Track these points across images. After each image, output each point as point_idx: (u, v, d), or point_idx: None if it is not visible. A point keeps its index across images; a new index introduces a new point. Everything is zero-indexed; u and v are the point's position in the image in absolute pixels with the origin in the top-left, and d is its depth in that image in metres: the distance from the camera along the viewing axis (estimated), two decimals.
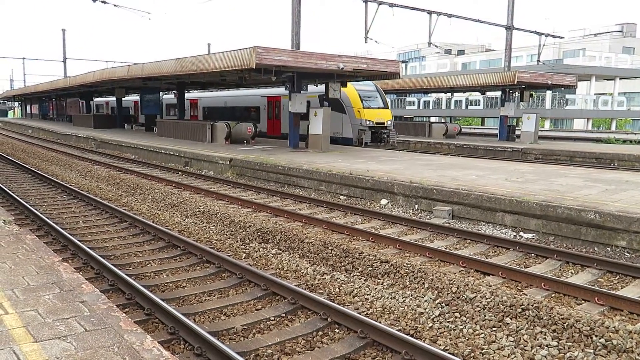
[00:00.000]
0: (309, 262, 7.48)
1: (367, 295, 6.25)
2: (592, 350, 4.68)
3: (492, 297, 5.74)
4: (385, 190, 11.82)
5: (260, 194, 13.24)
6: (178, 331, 4.97)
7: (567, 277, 6.99)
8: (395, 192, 11.58)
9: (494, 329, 5.25)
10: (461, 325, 5.33)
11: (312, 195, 13.00)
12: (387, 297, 6.12)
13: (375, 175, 12.41)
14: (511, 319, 5.37)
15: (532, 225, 9.23)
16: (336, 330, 5.27)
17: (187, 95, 37.63)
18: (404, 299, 6.02)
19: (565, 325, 5.08)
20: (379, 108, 24.41)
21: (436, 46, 27.19)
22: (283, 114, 27.00)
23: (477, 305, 5.67)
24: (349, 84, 22.53)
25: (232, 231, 9.13)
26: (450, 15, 26.01)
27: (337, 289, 6.46)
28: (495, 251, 8.26)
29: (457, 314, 5.59)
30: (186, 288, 6.47)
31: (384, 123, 24.27)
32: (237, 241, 8.61)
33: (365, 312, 5.71)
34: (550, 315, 5.26)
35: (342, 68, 17.66)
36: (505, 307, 5.55)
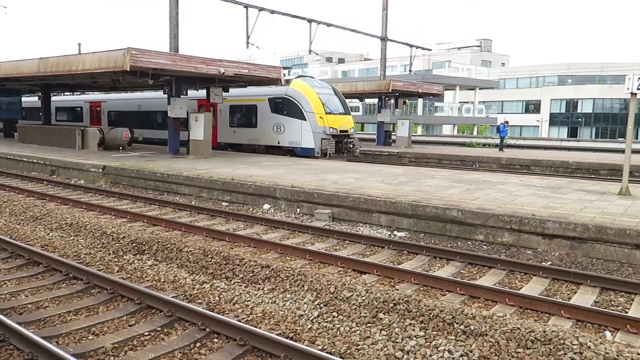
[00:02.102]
0: (188, 272, 7.24)
1: (248, 301, 6.21)
2: (453, 337, 5.10)
3: (367, 294, 6.01)
4: (267, 195, 11.86)
5: (137, 203, 12.56)
6: (37, 357, 4.52)
7: (435, 271, 7.55)
8: (278, 196, 11.67)
9: (368, 325, 5.50)
10: (338, 324, 5.50)
11: (193, 202, 12.64)
12: (268, 302, 6.13)
13: (257, 181, 12.40)
14: (384, 314, 5.66)
15: (405, 224, 9.84)
16: (215, 340, 5.15)
17: (84, 97, 34.12)
18: (284, 302, 6.07)
19: (431, 315, 5.47)
20: (340, 114, 21.78)
21: (317, 54, 27.89)
22: (220, 121, 24.00)
23: (354, 303, 5.90)
24: (305, 84, 21.54)
25: (103, 244, 8.54)
26: (329, 25, 26.88)
27: (217, 298, 6.33)
28: (371, 250, 8.67)
29: (334, 314, 5.76)
30: (49, 308, 5.92)
31: (347, 131, 21.58)
32: (109, 254, 8.07)
33: (245, 319, 5.66)
34: (418, 308, 5.63)
35: (223, 73, 17.43)
36: (379, 303, 5.84)
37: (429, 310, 5.56)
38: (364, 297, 5.97)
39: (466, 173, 15.89)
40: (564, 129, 60.96)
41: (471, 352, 4.79)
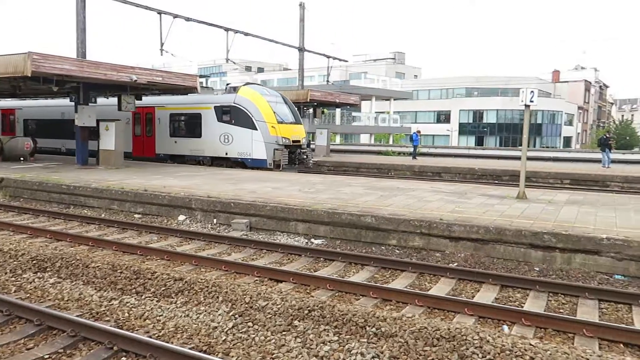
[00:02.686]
0: (95, 289, 6.87)
1: (160, 316, 6.00)
2: (366, 340, 5.24)
3: (283, 302, 6.03)
4: (183, 206, 11.56)
5: (40, 217, 11.75)
6: None
7: (350, 277, 7.73)
8: (194, 207, 11.41)
9: (283, 333, 5.51)
10: (254, 334, 5.47)
11: (103, 215, 12.03)
12: (181, 316, 5.96)
13: (172, 191, 12.05)
14: (299, 321, 5.71)
15: (322, 232, 9.99)
16: (123, 359, 4.93)
17: None
18: (198, 315, 5.94)
19: (344, 320, 5.59)
20: (292, 123, 20.94)
21: (234, 62, 27.71)
22: (158, 130, 22.40)
23: (269, 312, 5.90)
24: (255, 91, 20.60)
25: None
26: (246, 34, 26.80)
27: (127, 314, 6.06)
28: (289, 259, 8.71)
29: (249, 324, 5.72)
30: None
31: (299, 141, 20.86)
32: (5, 273, 7.46)
33: (156, 335, 5.47)
34: (332, 313, 5.74)
35: (135, 80, 16.81)
36: (294, 310, 5.88)
37: (342, 315, 5.68)
38: (279, 306, 5.98)
39: (381, 180, 16.44)
40: (471, 138, 64.85)
41: (382, 353, 4.95)
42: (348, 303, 6.43)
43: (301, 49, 30.77)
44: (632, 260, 7.61)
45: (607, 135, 26.95)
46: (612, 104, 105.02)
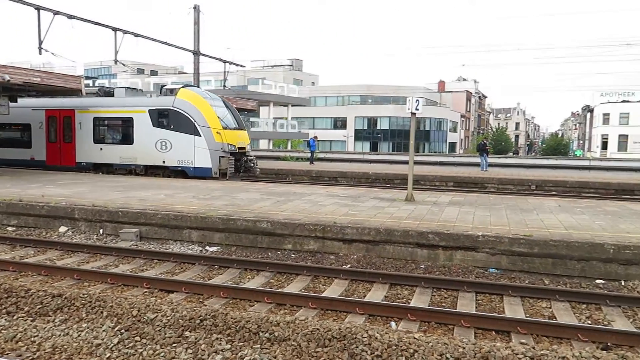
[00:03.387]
0: None
1: (35, 337, 5.50)
2: (259, 346, 5.22)
3: (173, 313, 5.82)
4: (64, 217, 10.73)
5: None
6: None
7: (245, 283, 7.66)
8: (77, 217, 10.63)
9: (174, 345, 5.32)
10: (141, 349, 5.22)
11: None
12: (60, 335, 5.52)
13: (52, 201, 11.14)
14: (190, 331, 5.54)
15: (217, 239, 9.80)
16: None
17: None
18: (79, 333, 5.54)
19: (237, 327, 5.53)
20: (236, 129, 19.37)
21: (123, 64, 26.32)
22: (79, 136, 20.09)
23: (158, 325, 5.66)
24: (196, 94, 18.79)
25: None
26: (137, 35, 25.54)
27: None
28: (181, 268, 8.43)
29: (137, 338, 5.44)
30: None
31: (244, 148, 19.55)
32: None
33: (30, 357, 5.01)
34: (225, 321, 5.64)
35: (8, 80, 15.33)
36: (185, 321, 5.70)
37: (235, 322, 5.61)
38: (169, 317, 5.76)
39: (279, 186, 16.51)
40: (366, 144, 67.43)
41: (275, 357, 4.97)
42: (242, 310, 6.37)
43: (196, 53, 30.02)
44: (504, 255, 8.36)
45: (485, 142, 29.47)
46: (490, 112, 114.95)
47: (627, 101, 65.11)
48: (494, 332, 5.96)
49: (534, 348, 4.81)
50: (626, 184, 20.88)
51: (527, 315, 6.54)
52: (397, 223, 9.47)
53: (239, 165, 19.23)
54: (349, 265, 8.57)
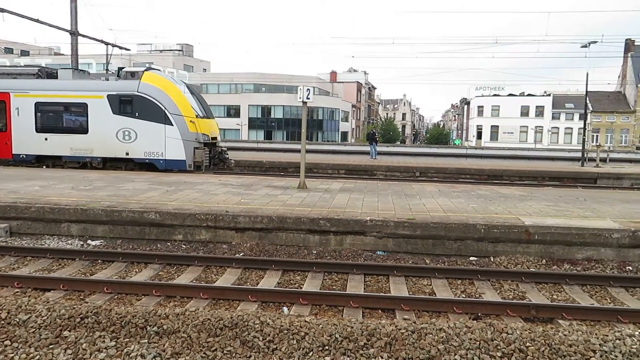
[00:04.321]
0: None
1: None
2: (146, 340, 5.02)
3: (49, 313, 5.39)
4: None
5: None
6: None
7: (131, 277, 7.31)
8: None
9: (51, 346, 4.93)
10: (12, 353, 4.78)
11: None
12: None
13: None
14: (70, 331, 5.17)
15: (100, 232, 9.22)
16: None
17: None
18: None
19: (123, 323, 5.26)
20: (206, 117, 17.78)
21: None
22: (16, 124, 17.23)
23: (32, 326, 5.20)
24: (164, 79, 16.60)
25: None
26: (2, 10, 22.98)
27: None
28: (59, 264, 7.83)
29: (7, 342, 4.97)
30: None
31: (216, 138, 18.27)
32: None
33: None
34: (109, 318, 5.34)
35: None
36: (64, 320, 5.30)
37: (120, 317, 5.33)
38: (45, 317, 5.32)
39: (168, 175, 15.88)
40: (260, 132, 67.13)
41: (164, 351, 4.81)
42: (128, 305, 6.07)
43: (73, 33, 27.68)
44: (390, 238, 8.84)
45: (374, 131, 30.79)
46: (379, 103, 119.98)
47: (498, 95, 71.55)
48: (380, 311, 6.29)
49: (415, 323, 5.16)
50: (496, 170, 23.04)
51: (411, 293, 6.98)
52: (289, 210, 9.58)
53: (212, 157, 18.07)
54: (242, 254, 8.53)
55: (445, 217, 9.25)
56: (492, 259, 8.54)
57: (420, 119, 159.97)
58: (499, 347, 4.70)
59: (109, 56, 32.91)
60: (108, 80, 17.50)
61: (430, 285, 7.32)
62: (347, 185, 14.10)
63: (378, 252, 8.82)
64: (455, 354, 4.63)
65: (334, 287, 7.21)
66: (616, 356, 4.61)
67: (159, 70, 21.06)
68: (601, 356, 4.61)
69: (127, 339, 5.06)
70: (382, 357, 4.63)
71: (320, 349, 4.78)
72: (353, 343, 4.81)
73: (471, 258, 8.63)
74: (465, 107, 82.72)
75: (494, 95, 71.70)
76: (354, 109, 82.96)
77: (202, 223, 9.08)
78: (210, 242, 9.08)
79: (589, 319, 6.03)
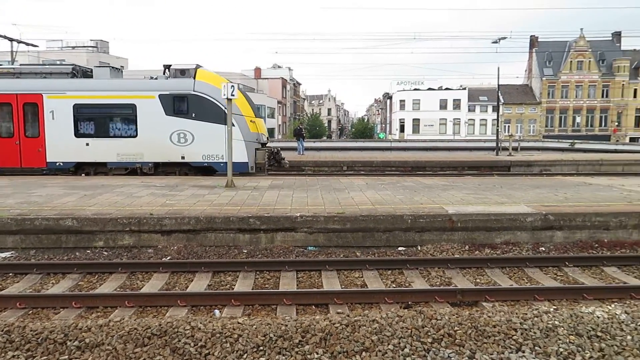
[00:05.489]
0: None
1: None
2: (67, 356, 4.69)
3: None
4: None
5: None
6: None
7: (47, 289, 6.81)
8: None
9: None
10: None
11: None
12: None
13: None
14: None
15: (10, 243, 8.53)
16: None
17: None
18: None
19: (39, 340, 4.88)
20: (259, 117, 16.78)
21: None
22: (50, 129, 15.48)
23: None
24: (216, 75, 15.19)
25: None
26: None
27: None
28: None
29: None
30: None
31: (267, 138, 17.39)
32: None
33: None
34: (23, 335, 4.93)
35: None
36: None
37: (36, 334, 4.94)
38: None
39: (83, 179, 14.99)
40: None
41: None
42: (45, 320, 5.65)
43: None
44: (321, 233, 8.87)
45: (300, 127, 30.86)
46: (304, 99, 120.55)
47: (418, 89, 74.20)
48: (314, 306, 6.29)
49: (348, 316, 5.20)
50: (420, 161, 23.89)
51: (343, 286, 7.04)
52: (218, 210, 9.35)
53: (271, 159, 17.25)
54: (169, 258, 8.21)
55: (374, 210, 9.42)
56: (419, 248, 8.82)
57: (345, 114, 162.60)
58: (429, 333, 4.84)
59: (13, 53, 30.63)
60: (157, 79, 16.24)
61: (362, 277, 7.42)
62: (276, 182, 14.01)
63: (309, 248, 8.82)
64: (388, 344, 4.71)
65: (266, 286, 7.12)
66: (535, 332, 4.89)
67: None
68: (522, 334, 4.88)
69: (45, 357, 4.70)
70: (317, 353, 4.62)
71: (255, 350, 4.69)
72: (288, 341, 4.76)
73: (400, 248, 8.86)
74: (388, 101, 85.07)
75: (415, 89, 74.27)
76: (279, 105, 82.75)
77: (125, 228, 8.64)
78: (135, 247, 8.67)
79: (509, 300, 6.37)
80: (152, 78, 16.30)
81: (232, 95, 11.71)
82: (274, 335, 4.83)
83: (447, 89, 73.14)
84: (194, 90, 15.61)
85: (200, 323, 5.08)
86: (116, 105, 15.80)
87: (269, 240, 8.85)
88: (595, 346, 4.72)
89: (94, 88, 15.88)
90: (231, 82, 11.76)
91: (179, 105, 15.56)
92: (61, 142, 15.78)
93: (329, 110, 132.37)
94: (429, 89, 74.06)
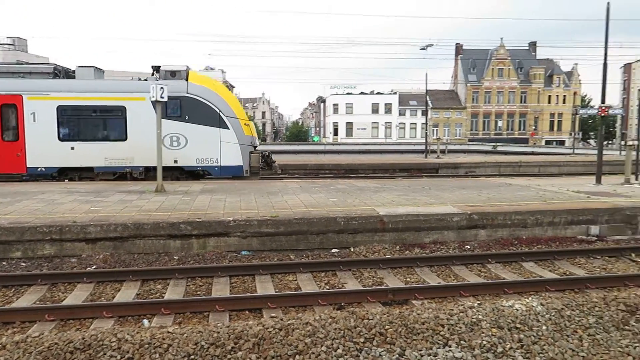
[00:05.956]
0: None
1: None
2: None
3: None
4: None
5: None
6: None
7: None
8: None
9: None
10: None
11: None
12: None
13: None
14: None
15: None
16: None
17: None
18: None
19: None
20: (250, 119, 16.76)
21: None
22: (30, 132, 14.55)
23: None
24: (211, 79, 14.51)
25: None
26: None
27: None
28: None
29: None
30: None
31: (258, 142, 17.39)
32: None
33: None
34: None
35: None
36: None
37: None
38: None
39: (17, 185, 13.99)
40: None
41: None
42: None
43: None
44: (254, 237, 8.80)
45: None
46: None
47: (351, 93, 75.53)
48: (247, 312, 6.22)
49: (282, 320, 5.20)
50: (353, 164, 24.32)
51: (277, 290, 7.02)
52: (146, 216, 9.04)
53: (263, 162, 16.94)
54: (94, 267, 7.83)
55: (307, 213, 9.47)
56: (352, 250, 8.96)
57: (279, 117, 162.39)
58: (361, 333, 4.93)
59: None
60: (146, 80, 15.37)
61: (296, 280, 7.44)
62: (209, 187, 13.75)
63: (243, 252, 8.73)
64: (322, 346, 4.75)
65: (198, 293, 6.96)
66: (460, 327, 5.12)
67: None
68: (449, 329, 5.09)
69: None
70: (250, 359, 4.58)
71: (186, 359, 4.57)
72: (220, 348, 4.69)
73: (333, 250, 8.96)
74: (322, 105, 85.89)
75: (347, 93, 75.51)
76: None
77: (45, 236, 8.15)
78: (56, 256, 8.20)
79: (437, 297, 6.63)
80: (140, 79, 15.82)
81: (162, 97, 11.37)
82: (206, 343, 4.73)
83: (378, 93, 74.96)
84: (187, 93, 15.27)
85: (128, 334, 4.89)
86: (104, 108, 15.13)
87: (201, 245, 8.67)
88: (514, 337, 5.01)
89: (80, 89, 15.11)
90: (160, 84, 11.40)
91: (171, 107, 15.06)
92: (43, 146, 14.88)
93: (263, 113, 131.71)
94: (362, 93, 75.59)
